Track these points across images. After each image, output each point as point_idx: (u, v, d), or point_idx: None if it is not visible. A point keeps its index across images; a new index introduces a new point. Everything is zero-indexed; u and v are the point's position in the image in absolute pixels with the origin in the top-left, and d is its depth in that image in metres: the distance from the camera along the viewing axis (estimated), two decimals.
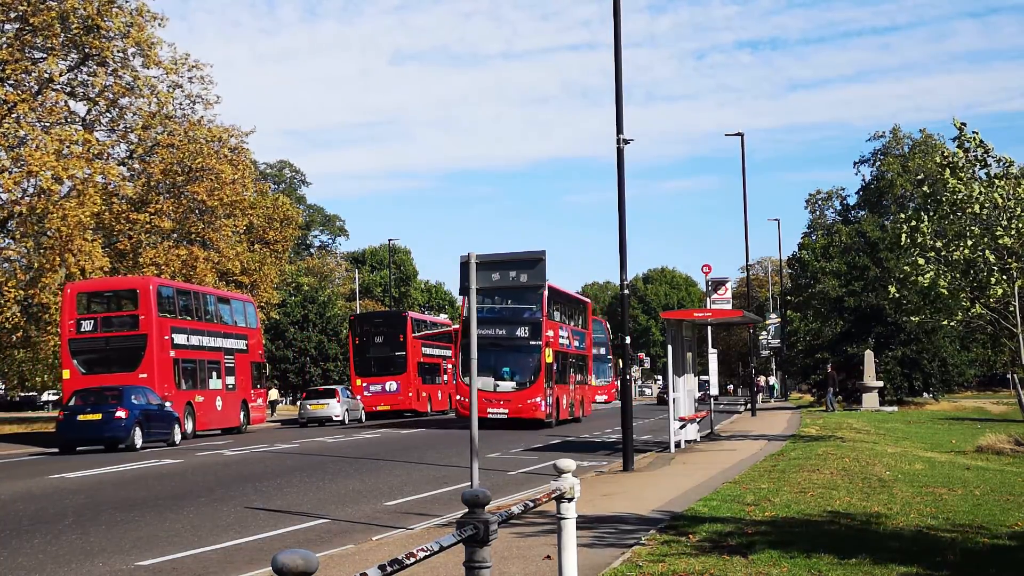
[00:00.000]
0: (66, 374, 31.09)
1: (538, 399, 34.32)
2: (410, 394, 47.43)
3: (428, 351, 50.35)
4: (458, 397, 35.21)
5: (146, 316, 31.49)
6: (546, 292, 33.47)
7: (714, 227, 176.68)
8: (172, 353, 32.54)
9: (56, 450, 28.05)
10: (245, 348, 38.62)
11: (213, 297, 37.55)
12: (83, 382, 29.98)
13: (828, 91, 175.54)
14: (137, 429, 27.28)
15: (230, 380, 36.93)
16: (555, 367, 36.03)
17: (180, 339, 33.22)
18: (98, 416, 26.89)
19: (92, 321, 31.53)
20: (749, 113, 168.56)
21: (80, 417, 26.99)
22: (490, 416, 33.01)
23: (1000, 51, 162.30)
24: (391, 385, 47.21)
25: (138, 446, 27.20)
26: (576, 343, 41.00)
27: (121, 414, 26.99)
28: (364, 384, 47.68)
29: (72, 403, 27.80)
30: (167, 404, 30.03)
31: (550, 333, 35.37)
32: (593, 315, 54.05)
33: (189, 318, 34.53)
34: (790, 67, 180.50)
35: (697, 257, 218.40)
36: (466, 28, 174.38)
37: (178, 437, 29.92)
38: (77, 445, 27.44)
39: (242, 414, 37.66)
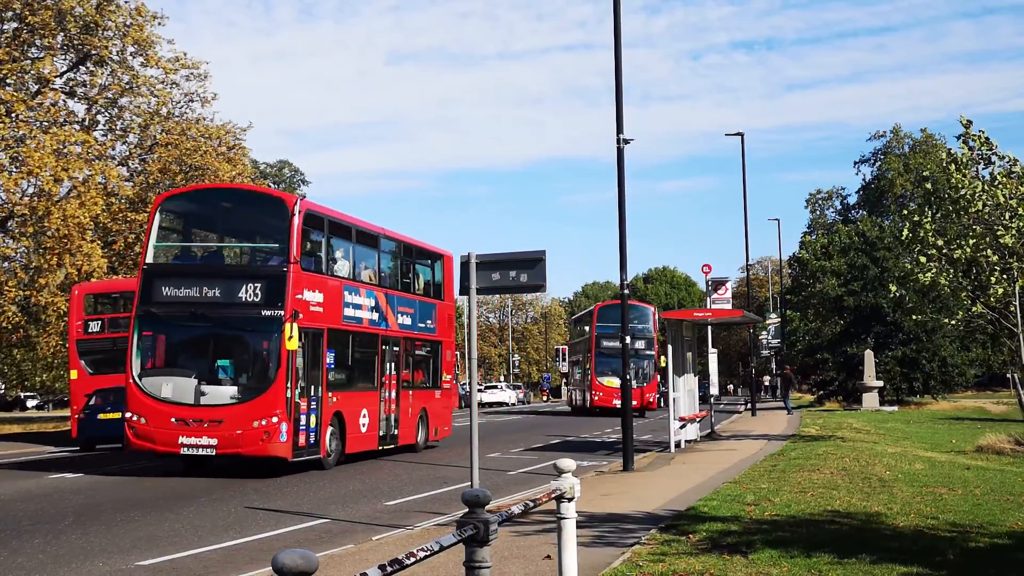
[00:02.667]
0: (74, 374, 31.30)
1: (274, 419, 17.94)
2: None
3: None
4: (132, 416, 18.72)
5: None
6: (298, 218, 18.70)
7: (714, 227, 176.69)
8: None
9: (76, 448, 28.31)
10: None
11: None
12: (91, 382, 30.26)
13: (824, 91, 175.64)
14: None
15: None
16: (329, 359, 19.91)
17: None
18: (118, 415, 27.28)
19: (100, 322, 31.74)
20: (746, 113, 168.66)
21: (100, 416, 27.38)
22: (184, 453, 18.27)
23: (996, 51, 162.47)
24: None
25: None
26: (415, 320, 24.71)
27: None
28: None
29: (92, 402, 28.23)
30: None
31: (314, 296, 19.35)
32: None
33: None
34: (786, 67, 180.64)
35: (697, 257, 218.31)
36: (463, 28, 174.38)
37: None
38: (97, 443, 27.82)
39: None
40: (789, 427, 32.57)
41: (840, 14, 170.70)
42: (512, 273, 11.80)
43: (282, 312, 18.16)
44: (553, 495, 7.32)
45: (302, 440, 18.61)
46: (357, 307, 21.33)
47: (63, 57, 36.09)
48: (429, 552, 4.61)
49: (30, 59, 35.12)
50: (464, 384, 60.90)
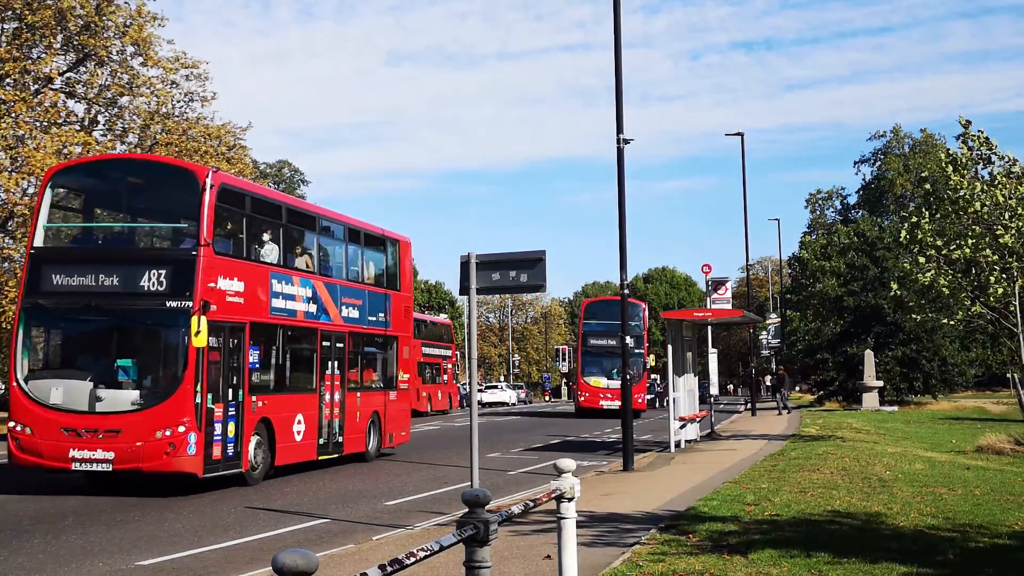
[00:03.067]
0: None
1: (180, 429, 15.40)
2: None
3: (428, 351, 50.37)
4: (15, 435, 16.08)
5: None
6: (210, 193, 16.14)
7: (714, 227, 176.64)
8: None
9: None
10: None
11: None
12: None
13: (824, 91, 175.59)
14: None
15: None
16: (253, 358, 17.37)
17: None
18: None
19: None
20: (745, 113, 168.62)
21: None
22: (75, 468, 15.69)
23: (994, 52, 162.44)
24: None
25: None
26: (364, 313, 21.89)
27: None
28: None
29: None
30: None
31: (232, 285, 16.74)
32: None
33: None
34: (785, 67, 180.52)
35: (697, 257, 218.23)
36: (461, 29, 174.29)
37: None
38: None
39: None
40: (789, 427, 32.57)
41: (839, 14, 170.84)
42: (512, 273, 11.80)
43: (191, 303, 15.56)
44: (553, 495, 7.32)
45: (216, 452, 15.97)
46: (289, 297, 18.59)
47: (63, 57, 36.09)
48: (429, 552, 4.61)
49: (30, 59, 35.13)
50: (464, 384, 60.81)
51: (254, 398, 17.22)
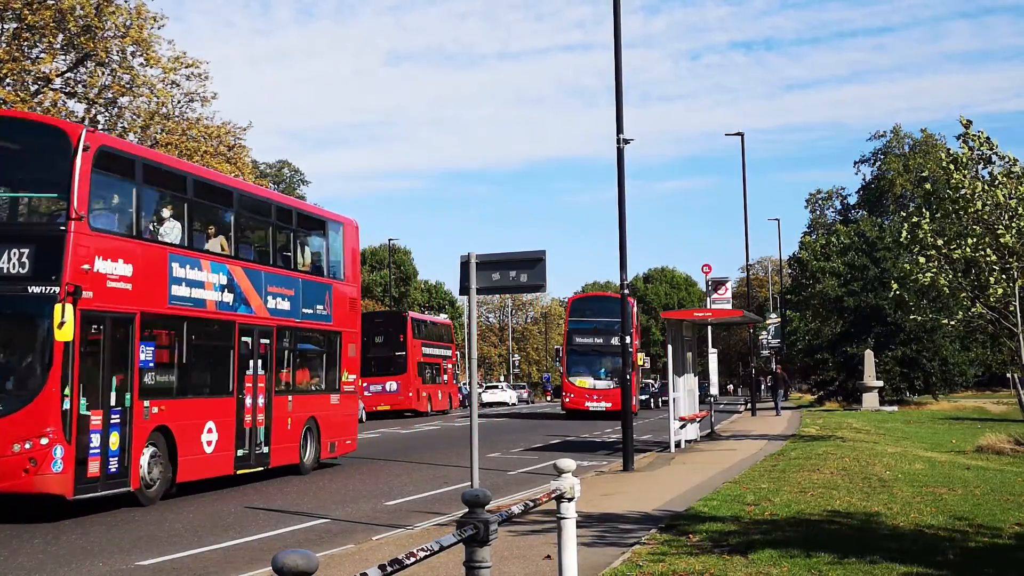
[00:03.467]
0: None
1: (43, 441, 12.97)
2: (410, 394, 47.24)
3: (428, 351, 50.38)
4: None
5: None
6: (84, 157, 13.62)
7: (714, 227, 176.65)
8: None
9: None
10: None
11: None
12: None
13: (823, 91, 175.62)
14: None
15: None
16: (146, 355, 14.95)
17: None
18: None
19: None
20: (745, 113, 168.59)
21: None
22: None
23: (994, 52, 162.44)
24: (391, 385, 47.03)
25: None
26: (298, 304, 19.40)
27: None
28: (364, 384, 47.69)
29: None
30: None
31: (115, 268, 14.32)
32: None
33: None
34: (785, 67, 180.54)
35: (697, 257, 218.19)
36: (461, 29, 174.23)
37: None
38: None
39: None
40: (789, 427, 32.57)
41: (838, 14, 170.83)
42: (512, 273, 11.80)
43: (57, 288, 13.02)
44: (553, 495, 7.32)
45: (93, 468, 13.46)
46: (196, 284, 15.89)
47: (63, 57, 36.12)
48: (429, 552, 4.61)
49: (30, 59, 35.14)
50: (465, 384, 60.96)
51: (147, 403, 14.66)
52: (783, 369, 48.03)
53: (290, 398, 19.07)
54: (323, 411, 20.34)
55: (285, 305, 18.93)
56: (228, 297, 16.98)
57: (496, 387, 75.36)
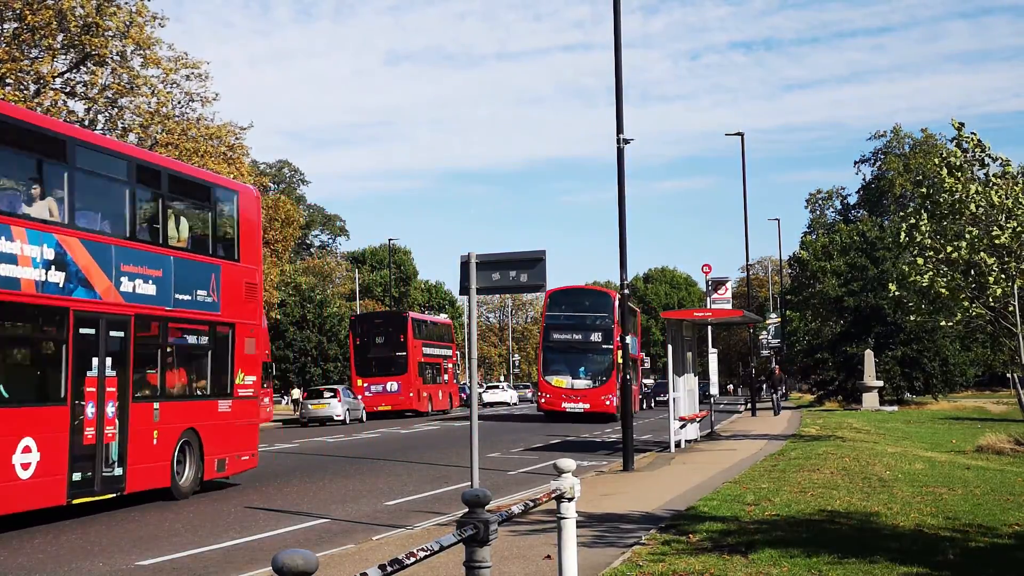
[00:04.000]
0: None
1: None
2: (411, 394, 47.44)
3: (428, 351, 50.40)
4: None
5: None
6: None
7: (714, 227, 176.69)
8: None
9: None
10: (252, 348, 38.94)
11: None
12: None
13: (823, 91, 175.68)
14: None
15: None
16: None
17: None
18: None
19: None
20: (744, 113, 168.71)
21: None
22: None
23: (992, 52, 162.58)
24: (392, 385, 47.24)
25: None
26: (169, 289, 15.89)
27: None
28: (365, 384, 47.71)
29: None
30: None
31: None
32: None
33: None
34: (784, 67, 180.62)
35: (697, 257, 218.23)
36: (460, 29, 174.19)
37: None
38: None
39: None
40: (789, 427, 32.57)
41: (838, 14, 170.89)
42: (512, 273, 11.80)
43: None
44: (553, 495, 7.32)
45: None
46: (5, 259, 12.51)
47: (63, 57, 36.13)
48: (429, 552, 4.61)
49: (30, 59, 35.15)
50: (466, 384, 61.15)
51: None
52: (780, 369, 47.83)
53: (156, 406, 15.34)
54: (207, 421, 16.66)
55: (149, 289, 15.18)
56: (57, 276, 13.31)
57: (497, 387, 75.66)
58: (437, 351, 51.73)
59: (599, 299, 43.12)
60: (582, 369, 40.90)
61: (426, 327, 52.54)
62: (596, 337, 40.89)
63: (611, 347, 39.82)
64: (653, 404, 57.49)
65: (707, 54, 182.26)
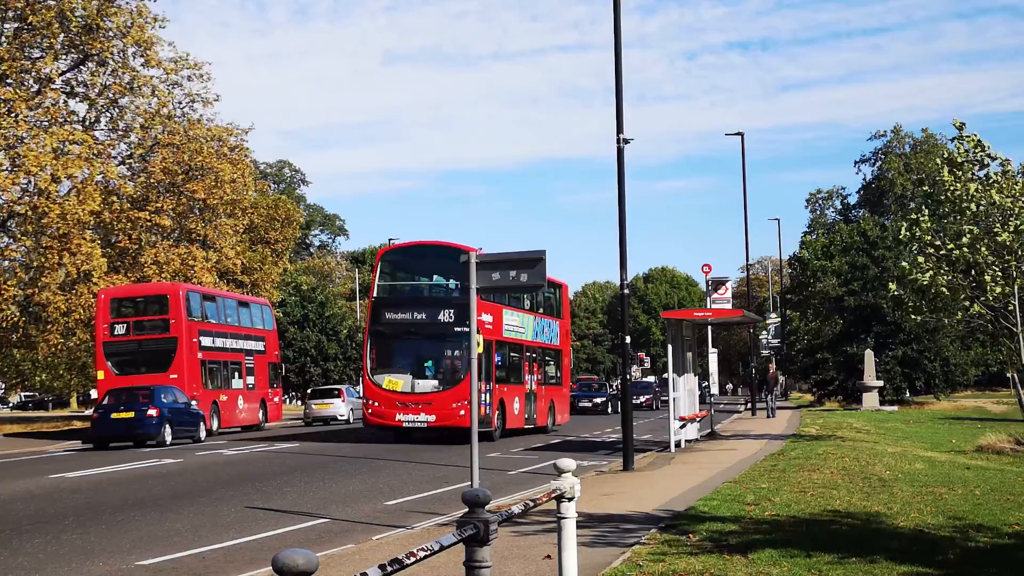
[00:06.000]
0: (100, 375, 33.19)
1: None
2: None
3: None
4: None
5: (176, 320, 33.00)
6: None
7: (714, 227, 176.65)
8: (200, 355, 34.02)
9: (90, 445, 29.07)
10: (263, 349, 39.74)
11: (234, 301, 38.91)
12: (116, 382, 31.95)
13: (820, 92, 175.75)
14: (167, 426, 28.63)
15: (250, 380, 38.20)
16: None
17: (207, 341, 34.59)
18: (131, 414, 28.25)
19: (125, 325, 33.45)
20: (742, 114, 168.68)
21: (113, 415, 28.31)
22: None
23: (989, 52, 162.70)
24: None
25: (168, 442, 28.45)
26: None
27: (152, 412, 28.32)
28: None
29: (106, 402, 29.36)
30: (194, 403, 31.32)
31: None
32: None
33: (214, 321, 35.76)
34: (781, 68, 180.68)
35: (697, 257, 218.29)
36: (457, 29, 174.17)
37: (203, 434, 31.13)
38: (110, 441, 28.61)
39: (261, 412, 38.89)
40: (789, 427, 32.58)
41: (834, 15, 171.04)
42: (512, 273, 11.80)
43: None
44: (553, 495, 7.32)
45: None
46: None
47: (64, 57, 36.13)
48: (429, 552, 4.61)
49: (30, 59, 35.13)
50: None
51: None
52: (774, 369, 47.65)
53: None
54: None
55: None
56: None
57: None
58: None
59: (448, 261, 25.79)
60: (429, 364, 27.50)
61: None
62: (446, 316, 26.50)
63: (469, 331, 24.14)
64: (617, 408, 52.97)
65: (704, 54, 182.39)
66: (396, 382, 27.01)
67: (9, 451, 28.01)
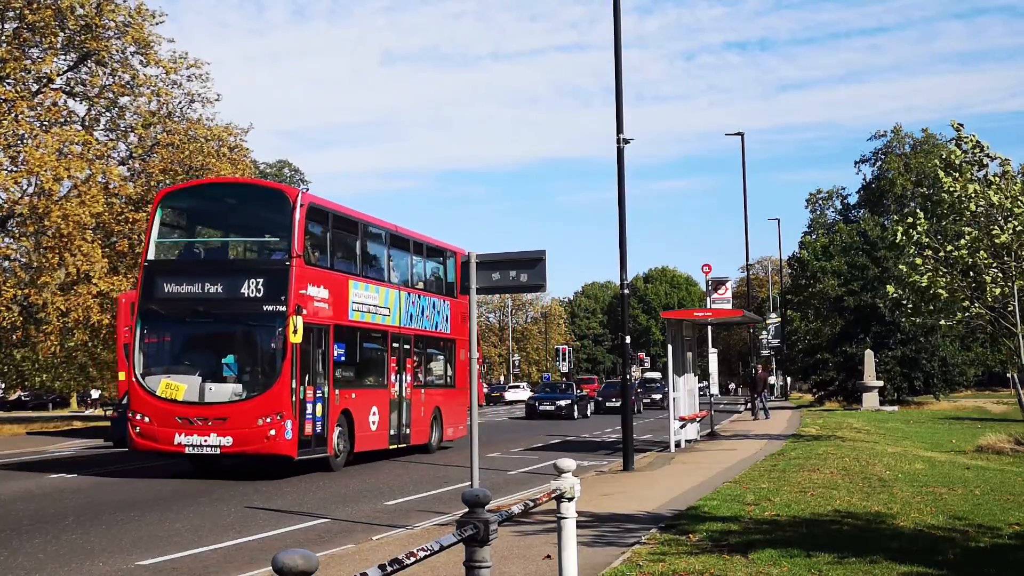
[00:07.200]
0: (122, 376, 33.00)
1: None
2: None
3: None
4: None
5: None
6: None
7: (714, 227, 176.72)
8: None
9: (110, 444, 29.00)
10: None
11: None
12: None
13: (819, 92, 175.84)
14: None
15: None
16: None
17: None
18: None
19: None
20: (741, 114, 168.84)
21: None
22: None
23: (987, 52, 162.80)
24: None
25: None
26: None
27: None
28: None
29: (125, 401, 29.37)
30: None
31: None
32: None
33: None
34: (780, 68, 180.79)
35: (697, 257, 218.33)
36: (455, 29, 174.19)
37: None
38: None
39: None
40: (789, 427, 32.58)
41: (833, 15, 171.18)
42: (512, 273, 11.80)
43: None
44: (553, 495, 7.32)
45: None
46: None
47: (64, 56, 36.13)
48: (429, 552, 4.61)
49: (31, 58, 35.13)
50: (495, 382, 66.76)
51: None
52: (764, 369, 47.45)
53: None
54: None
55: None
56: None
57: (518, 387, 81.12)
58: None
59: (262, 208, 20.36)
60: (228, 361, 19.16)
61: None
62: (253, 289, 18.38)
63: (280, 308, 18.00)
64: (588, 412, 47.34)
65: (702, 54, 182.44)
66: (177, 387, 18.33)
67: (34, 448, 28.00)
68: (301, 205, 18.40)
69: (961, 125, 21.98)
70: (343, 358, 20.11)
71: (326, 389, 19.12)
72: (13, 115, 33.05)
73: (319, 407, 18.81)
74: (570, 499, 7.39)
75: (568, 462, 7.54)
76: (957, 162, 21.66)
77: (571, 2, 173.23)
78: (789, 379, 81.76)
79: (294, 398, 17.82)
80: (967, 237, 21.22)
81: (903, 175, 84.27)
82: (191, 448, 18.03)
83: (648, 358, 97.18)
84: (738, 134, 46.71)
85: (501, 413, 54.27)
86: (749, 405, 47.25)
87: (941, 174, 21.59)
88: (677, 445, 23.19)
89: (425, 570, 8.80)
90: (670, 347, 23.50)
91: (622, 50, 19.80)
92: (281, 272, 18.21)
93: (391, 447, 22.19)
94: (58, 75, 35.94)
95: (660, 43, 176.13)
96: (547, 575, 8.90)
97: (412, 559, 4.36)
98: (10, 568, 10.12)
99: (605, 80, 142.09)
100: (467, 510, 5.51)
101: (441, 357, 26.00)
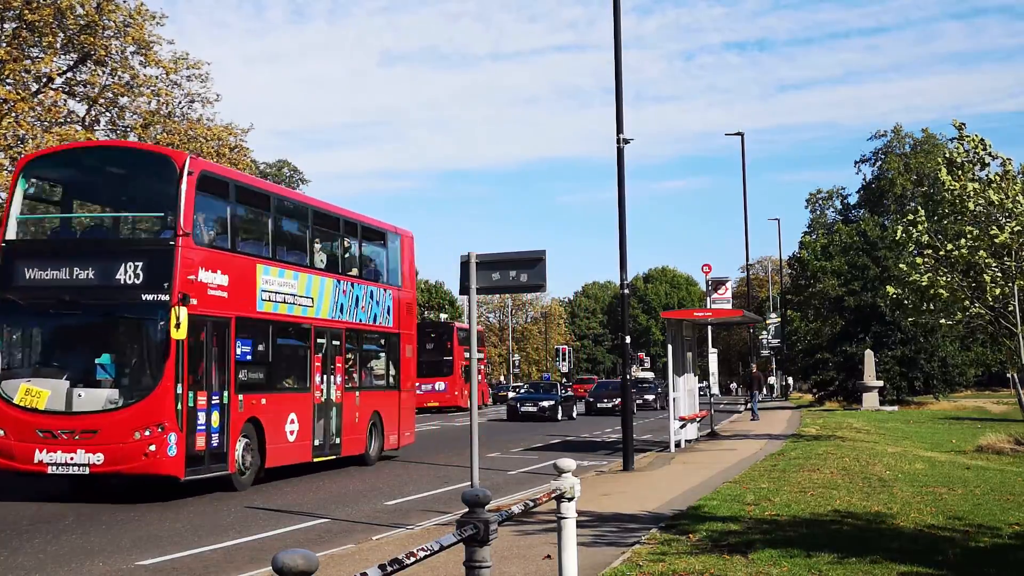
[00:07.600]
0: None
1: None
2: (456, 392, 51.59)
3: (468, 355, 51.81)
4: None
5: None
6: None
7: (714, 227, 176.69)
8: None
9: None
10: None
11: None
12: None
13: (818, 92, 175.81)
14: None
15: None
16: None
17: None
18: None
19: None
20: (740, 114, 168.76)
21: None
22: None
23: (987, 52, 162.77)
24: (440, 385, 51.63)
25: None
26: None
27: None
28: (417, 384, 49.28)
29: None
30: None
31: None
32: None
33: None
34: (779, 68, 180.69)
35: (697, 257, 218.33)
36: (454, 29, 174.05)
37: None
38: None
39: None
40: (789, 427, 32.58)
41: (831, 15, 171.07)
42: (512, 273, 11.80)
43: None
44: (553, 495, 7.32)
45: None
46: None
47: (63, 56, 36.13)
48: (429, 552, 4.61)
49: (30, 58, 35.13)
50: (500, 383, 67.55)
51: None
52: (758, 369, 47.43)
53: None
54: None
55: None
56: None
57: (520, 387, 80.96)
58: (467, 353, 54.07)
59: (144, 177, 17.24)
60: (101, 361, 15.66)
61: (466, 334, 54.45)
62: (131, 275, 15.24)
63: (167, 300, 14.89)
64: (574, 414, 44.32)
65: (701, 55, 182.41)
66: (39, 393, 15.14)
67: None
68: (190, 173, 15.09)
69: (963, 125, 21.99)
70: (249, 357, 16.85)
71: (226, 394, 15.94)
72: (13, 116, 33.06)
73: (215, 416, 15.61)
74: (570, 499, 7.39)
75: (568, 462, 7.54)
76: (959, 160, 21.67)
77: (570, 2, 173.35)
78: (790, 379, 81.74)
79: (179, 406, 14.62)
80: (967, 236, 21.22)
81: (903, 175, 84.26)
82: (54, 467, 14.70)
83: (648, 358, 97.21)
84: (738, 134, 46.80)
85: (489, 414, 54.52)
86: (748, 406, 47.26)
87: (942, 172, 21.60)
88: (677, 445, 23.19)
89: (425, 570, 8.80)
90: (670, 347, 23.50)
91: (621, 50, 19.81)
92: (164, 254, 14.93)
93: (316, 459, 18.83)
94: (58, 75, 35.94)
95: (659, 43, 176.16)
96: (547, 575, 8.90)
97: (412, 559, 4.36)
98: (10, 568, 10.12)
99: (604, 80, 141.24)
100: (467, 510, 5.52)
101: (382, 354, 22.58)
